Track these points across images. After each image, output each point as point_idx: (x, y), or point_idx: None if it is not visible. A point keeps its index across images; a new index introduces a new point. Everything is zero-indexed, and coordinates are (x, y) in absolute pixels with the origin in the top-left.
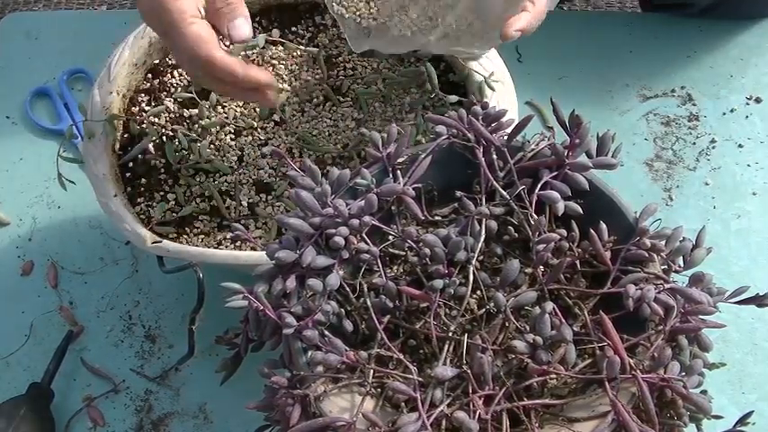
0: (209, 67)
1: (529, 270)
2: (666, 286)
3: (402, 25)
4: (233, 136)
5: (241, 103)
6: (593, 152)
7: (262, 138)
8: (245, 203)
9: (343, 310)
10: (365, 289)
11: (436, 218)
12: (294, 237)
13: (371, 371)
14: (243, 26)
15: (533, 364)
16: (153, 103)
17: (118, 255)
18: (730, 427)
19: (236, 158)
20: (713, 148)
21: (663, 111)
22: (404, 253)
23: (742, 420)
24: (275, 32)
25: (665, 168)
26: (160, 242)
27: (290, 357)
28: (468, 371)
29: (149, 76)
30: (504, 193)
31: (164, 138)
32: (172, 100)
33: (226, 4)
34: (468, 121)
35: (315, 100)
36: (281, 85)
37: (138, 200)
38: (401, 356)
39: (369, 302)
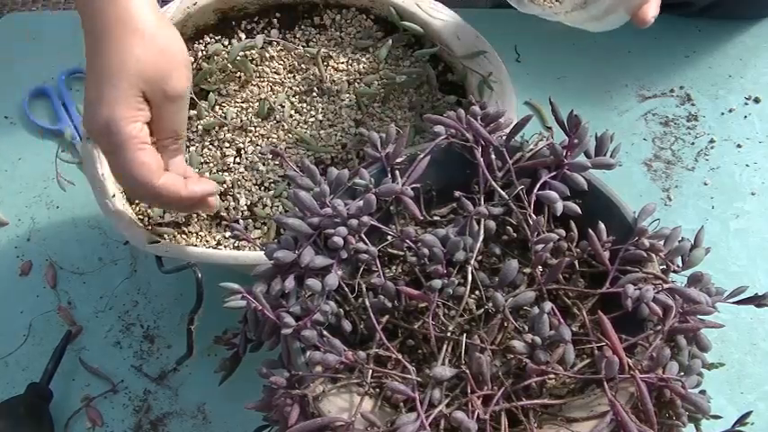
0: (152, 194)
1: (527, 270)
2: (665, 286)
3: None
4: (231, 136)
5: (239, 103)
6: (592, 152)
7: (260, 137)
8: (243, 203)
9: (341, 310)
10: (364, 289)
11: (435, 218)
12: (293, 237)
13: (370, 371)
14: (181, 164)
15: (532, 364)
16: None
17: (116, 255)
18: (729, 428)
19: (234, 158)
20: (712, 148)
21: (661, 111)
22: (402, 253)
23: (741, 420)
24: (274, 33)
25: (664, 168)
26: (159, 242)
27: (289, 357)
28: (467, 371)
29: None
30: (503, 193)
31: None
32: None
33: (172, 142)
34: (467, 121)
35: (313, 100)
36: (280, 85)
37: (137, 201)
38: (400, 356)
39: (367, 302)
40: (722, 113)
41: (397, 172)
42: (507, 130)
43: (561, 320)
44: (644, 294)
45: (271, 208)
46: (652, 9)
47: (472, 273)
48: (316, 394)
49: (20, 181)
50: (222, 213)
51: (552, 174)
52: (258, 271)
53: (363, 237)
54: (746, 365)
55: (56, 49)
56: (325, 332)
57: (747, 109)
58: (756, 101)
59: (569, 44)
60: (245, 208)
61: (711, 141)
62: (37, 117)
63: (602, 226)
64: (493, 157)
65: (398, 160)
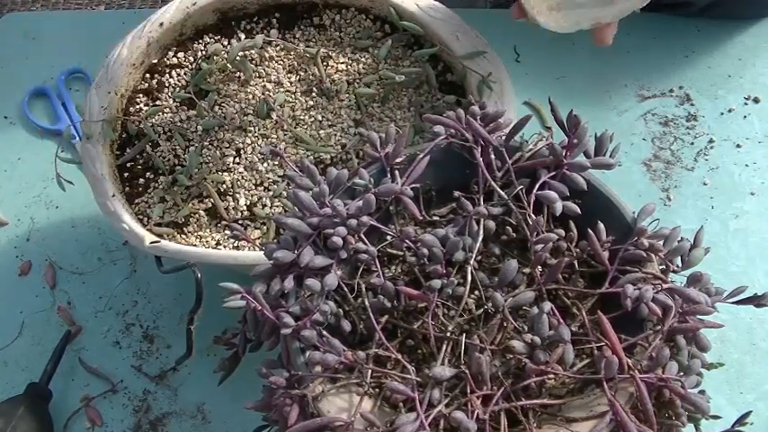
0: None
1: (527, 270)
2: (664, 286)
3: None
4: (231, 136)
5: (239, 104)
6: (591, 152)
7: (260, 137)
8: (243, 203)
9: (341, 310)
10: (363, 289)
11: (434, 218)
12: (292, 237)
13: (369, 371)
14: None
15: (531, 364)
16: (151, 104)
17: (116, 255)
18: (728, 427)
19: (233, 158)
20: (711, 148)
21: (661, 111)
22: (402, 253)
23: (740, 420)
24: (273, 33)
25: (663, 168)
26: (158, 242)
27: (288, 357)
28: (467, 371)
29: (147, 76)
30: (502, 193)
31: (161, 138)
32: (170, 100)
33: None
34: (467, 121)
35: (313, 100)
36: (279, 85)
37: (137, 200)
38: (399, 356)
39: (367, 302)
40: (721, 113)
41: (397, 172)
42: (507, 130)
43: (561, 320)
44: (643, 294)
45: (270, 208)
46: (613, 31)
47: (471, 273)
48: (315, 394)
49: (19, 181)
50: (222, 213)
51: (552, 174)
52: (257, 271)
53: (363, 237)
54: (746, 365)
55: (55, 49)
56: (324, 332)
57: (747, 109)
58: (756, 101)
59: (569, 44)
60: (245, 208)
61: (711, 141)
62: (36, 117)
63: (601, 226)
64: (492, 157)
65: (398, 160)
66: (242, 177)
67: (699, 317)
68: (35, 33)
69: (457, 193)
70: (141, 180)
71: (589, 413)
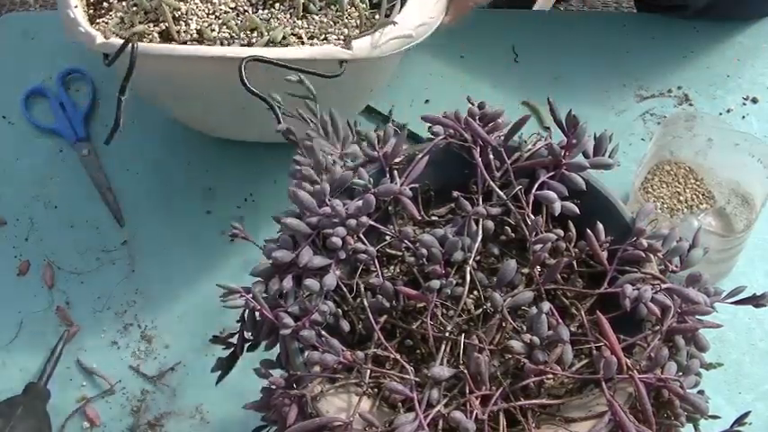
0: None
1: (526, 270)
2: (663, 286)
3: None
4: None
5: None
6: (590, 152)
7: None
8: (193, 28)
9: (339, 310)
10: (362, 289)
11: (433, 218)
12: (291, 236)
13: (368, 371)
14: None
15: (530, 364)
16: None
17: (114, 255)
18: (727, 428)
19: None
20: (710, 148)
21: (659, 111)
22: (401, 253)
23: (739, 421)
24: None
25: None
26: (108, 41)
27: (287, 357)
28: (465, 371)
29: None
30: (501, 193)
31: None
32: None
33: None
34: (465, 121)
35: None
36: None
37: (98, 20)
38: (398, 356)
39: (366, 302)
40: (720, 113)
41: (396, 172)
42: (505, 131)
43: (559, 320)
44: (642, 294)
45: (219, 33)
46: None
47: (470, 273)
48: (314, 394)
49: (18, 181)
50: (173, 35)
51: (550, 174)
52: (256, 270)
53: (362, 237)
54: (744, 365)
55: (53, 48)
56: (323, 332)
57: (745, 109)
58: (754, 101)
59: (567, 44)
60: (195, 32)
61: (709, 140)
62: (34, 116)
63: (600, 226)
64: (491, 157)
65: (397, 160)
66: (196, 7)
67: (697, 317)
68: (33, 33)
69: (456, 194)
70: (105, 4)
71: (588, 413)
